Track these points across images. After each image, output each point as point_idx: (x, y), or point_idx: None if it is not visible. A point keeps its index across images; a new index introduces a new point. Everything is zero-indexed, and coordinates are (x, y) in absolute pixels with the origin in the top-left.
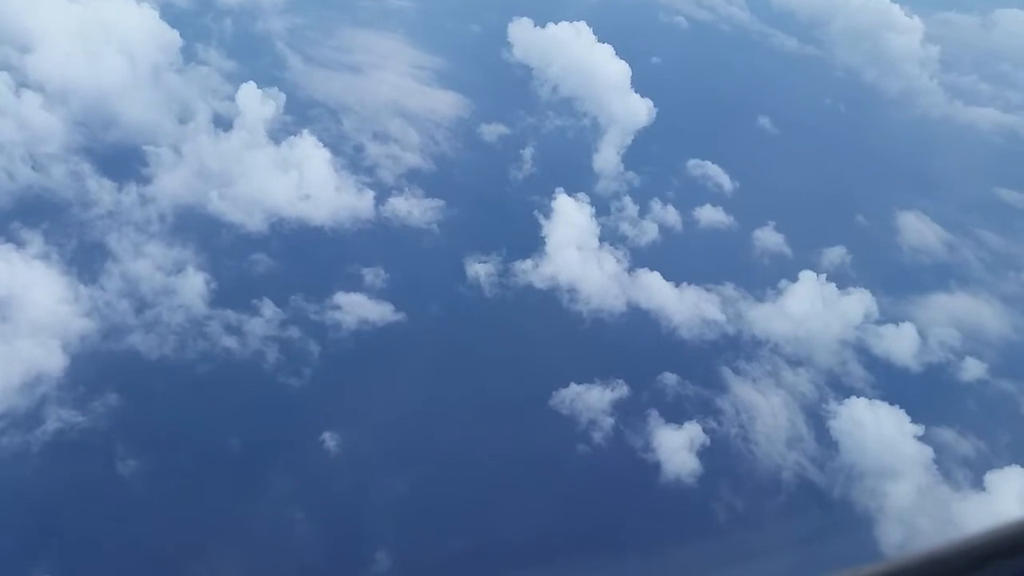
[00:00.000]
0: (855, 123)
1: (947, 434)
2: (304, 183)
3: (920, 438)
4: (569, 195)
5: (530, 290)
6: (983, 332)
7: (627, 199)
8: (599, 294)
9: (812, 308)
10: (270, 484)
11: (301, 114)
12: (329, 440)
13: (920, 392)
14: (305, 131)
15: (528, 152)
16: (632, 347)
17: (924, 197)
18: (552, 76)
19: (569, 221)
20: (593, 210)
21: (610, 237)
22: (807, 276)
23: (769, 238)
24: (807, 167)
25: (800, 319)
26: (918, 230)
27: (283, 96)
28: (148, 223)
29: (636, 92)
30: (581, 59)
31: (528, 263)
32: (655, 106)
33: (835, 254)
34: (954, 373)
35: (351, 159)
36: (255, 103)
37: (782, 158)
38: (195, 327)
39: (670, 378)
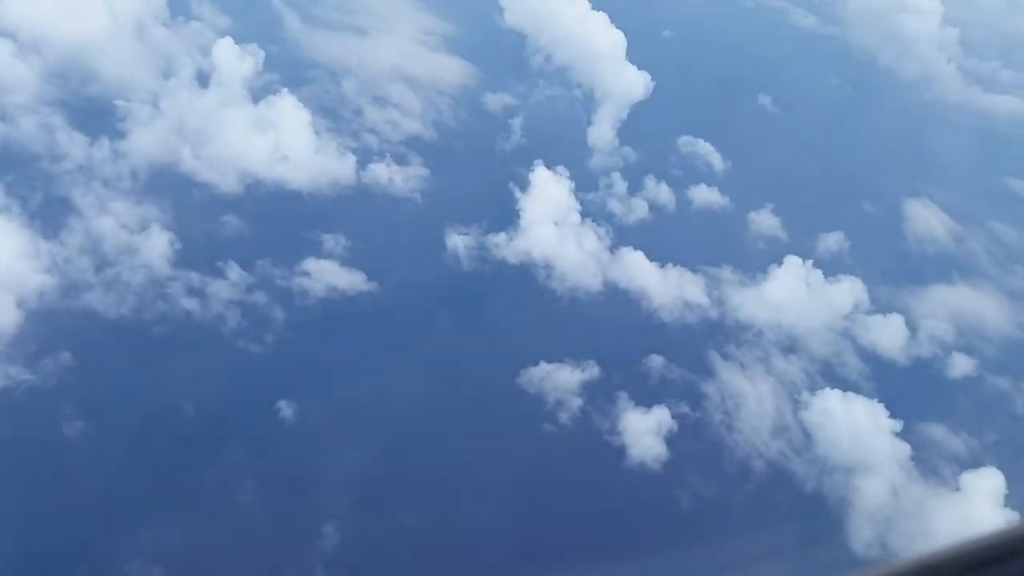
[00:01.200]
0: (866, 106)
1: (927, 431)
2: (282, 145)
3: (898, 434)
4: (551, 168)
5: (507, 265)
6: (981, 327)
7: (616, 175)
8: (576, 271)
9: (798, 295)
10: (220, 451)
11: (298, 75)
12: (285, 409)
13: (904, 386)
14: (284, 90)
15: (518, 123)
16: (607, 327)
17: (933, 185)
18: (546, 44)
19: (546, 195)
20: (573, 184)
21: (595, 213)
22: (793, 261)
23: (765, 221)
24: (810, 149)
25: (787, 306)
26: (925, 219)
27: (262, 53)
28: (118, 179)
29: (642, 65)
30: (575, 28)
31: (501, 236)
32: (659, 80)
33: (832, 240)
34: (941, 368)
35: (342, 123)
36: (232, 60)
37: (784, 139)
38: (156, 288)
39: (644, 360)
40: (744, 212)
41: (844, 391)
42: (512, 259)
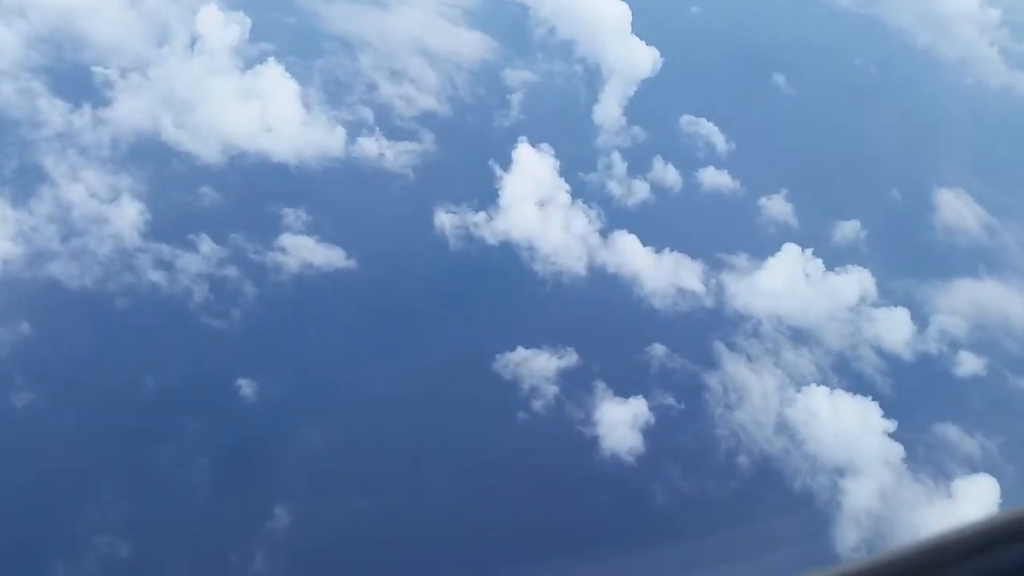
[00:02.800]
0: (899, 89)
1: (924, 433)
2: (269, 116)
3: (892, 435)
4: (535, 146)
5: (493, 246)
6: (1005, 324)
7: (616, 155)
8: (562, 254)
9: (795, 286)
10: (176, 427)
11: (317, 46)
12: (245, 387)
13: (904, 384)
14: (271, 60)
15: (517, 99)
16: (590, 313)
17: (969, 174)
18: (555, 17)
19: (528, 174)
20: (560, 163)
21: (588, 194)
22: (792, 250)
23: (777, 207)
24: (836, 134)
25: (786, 297)
26: (957, 210)
27: (249, 21)
28: (97, 148)
29: (661, 41)
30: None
31: (481, 216)
32: (677, 57)
33: (849, 229)
34: (947, 367)
35: (347, 96)
36: (220, 28)
37: (805, 122)
38: (123, 259)
39: (626, 348)
40: (755, 197)
41: (837, 388)
42: (491, 239)
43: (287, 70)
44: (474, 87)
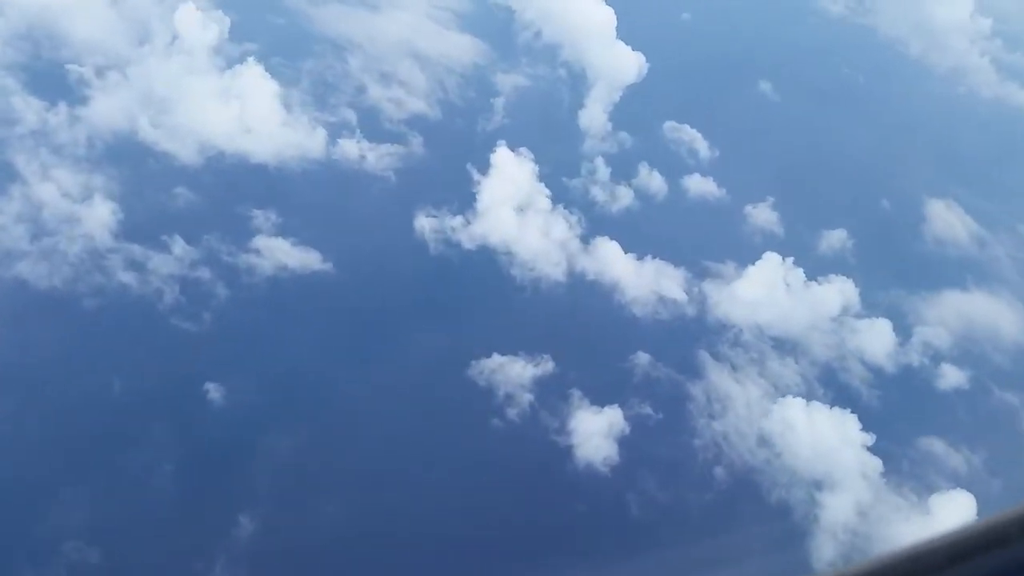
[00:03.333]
0: (888, 98)
1: (903, 446)
2: (249, 117)
3: (870, 448)
4: (514, 150)
5: (471, 251)
6: (992, 336)
7: (600, 161)
8: (539, 260)
9: (775, 295)
10: (142, 431)
11: (306, 48)
12: (213, 392)
13: (884, 397)
14: (251, 59)
15: (500, 102)
16: (568, 320)
17: (960, 185)
18: (545, 23)
19: (506, 178)
20: (539, 168)
21: (569, 200)
22: (772, 259)
23: (762, 215)
24: (825, 143)
25: (766, 306)
26: (947, 221)
27: (228, 21)
28: (73, 146)
29: (650, 48)
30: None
31: (458, 220)
32: (664, 63)
33: (835, 238)
34: (929, 380)
35: (331, 98)
36: (200, 28)
37: (793, 130)
38: (93, 259)
39: (604, 356)
40: (741, 205)
41: (817, 399)
42: (468, 244)
43: (268, 71)
44: (464, 90)
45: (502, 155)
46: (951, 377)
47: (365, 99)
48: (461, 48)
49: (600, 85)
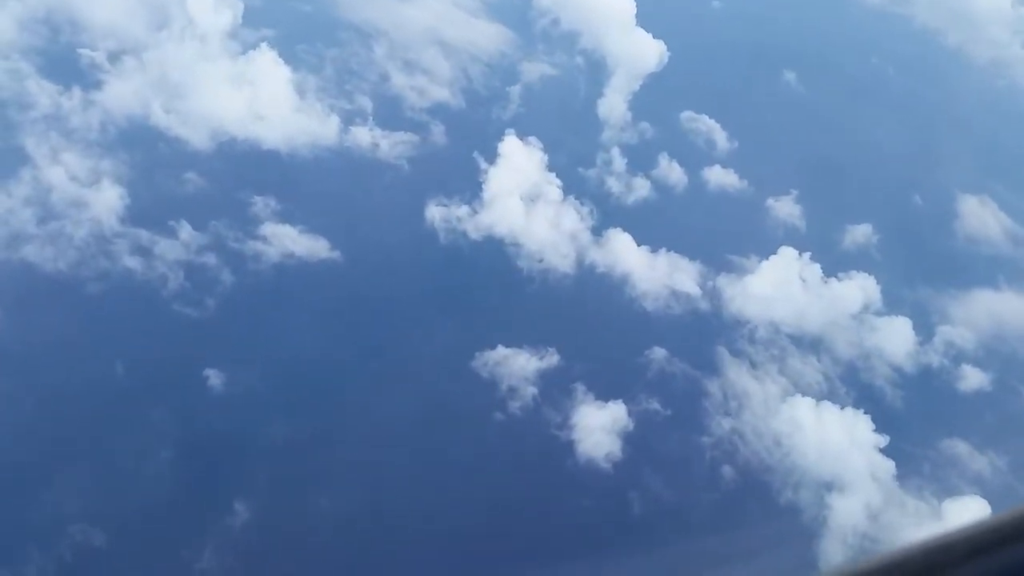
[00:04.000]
0: (925, 91)
1: (918, 449)
2: (262, 103)
3: (883, 450)
4: (522, 139)
5: (480, 241)
6: (1020, 337)
7: (616, 151)
8: (549, 251)
9: (795, 291)
10: (141, 416)
11: (331, 35)
12: (213, 378)
13: (900, 398)
14: (264, 44)
15: (517, 91)
16: (576, 313)
17: (997, 181)
18: (554, 7)
19: (514, 168)
20: (550, 158)
21: (582, 191)
22: (788, 253)
23: (785, 209)
24: (856, 137)
25: (781, 302)
26: (980, 217)
27: (242, 6)
28: (85, 130)
29: (678, 36)
30: None
31: (464, 209)
32: (687, 53)
33: (859, 233)
34: (949, 381)
35: (351, 85)
36: (216, 14)
37: (822, 123)
38: (99, 243)
39: (609, 350)
40: (763, 198)
41: (836, 400)
42: (474, 234)
43: (288, 57)
44: (489, 79)
45: (510, 144)
46: (972, 378)
47: (388, 87)
48: (488, 36)
49: (620, 73)
